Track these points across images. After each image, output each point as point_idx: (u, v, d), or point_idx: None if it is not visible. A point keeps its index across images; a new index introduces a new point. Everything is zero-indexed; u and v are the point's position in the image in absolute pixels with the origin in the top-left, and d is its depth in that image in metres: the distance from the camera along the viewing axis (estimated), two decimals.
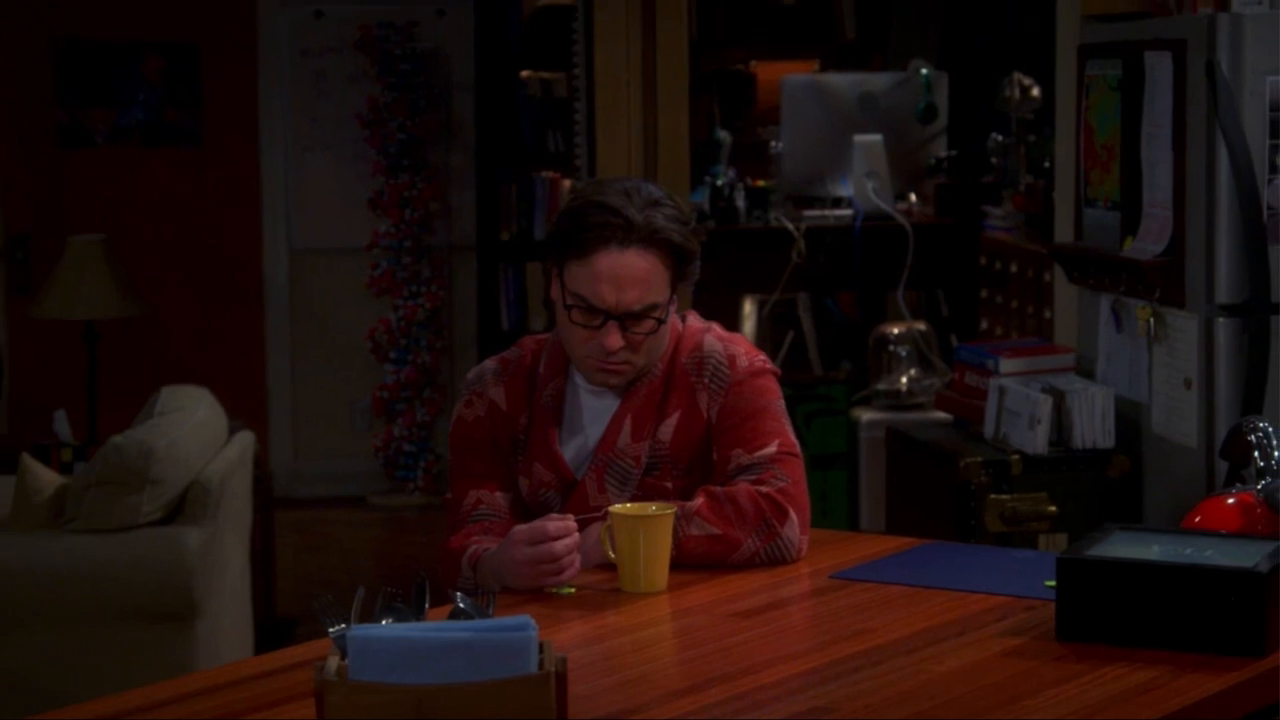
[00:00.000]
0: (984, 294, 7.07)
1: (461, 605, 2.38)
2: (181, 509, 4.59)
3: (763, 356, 3.20)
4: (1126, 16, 4.57)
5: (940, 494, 4.36)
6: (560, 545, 2.87)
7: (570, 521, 2.91)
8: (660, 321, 3.08)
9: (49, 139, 8.18)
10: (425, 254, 8.25)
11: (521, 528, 2.93)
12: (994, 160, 7.30)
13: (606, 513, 2.95)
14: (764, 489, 3.04)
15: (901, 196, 7.13)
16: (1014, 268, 6.70)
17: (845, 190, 6.99)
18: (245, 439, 5.19)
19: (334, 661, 2.23)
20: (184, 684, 2.58)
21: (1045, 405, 4.25)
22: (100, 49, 8.20)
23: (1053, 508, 4.21)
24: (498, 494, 3.13)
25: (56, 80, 8.17)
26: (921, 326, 6.69)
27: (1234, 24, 3.94)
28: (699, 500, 3.03)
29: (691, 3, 7.34)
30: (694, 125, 7.17)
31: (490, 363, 3.23)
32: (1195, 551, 2.62)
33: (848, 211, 6.96)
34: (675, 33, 7.00)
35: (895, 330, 6.63)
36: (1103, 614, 2.56)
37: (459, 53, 8.21)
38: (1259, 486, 2.77)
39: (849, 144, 6.93)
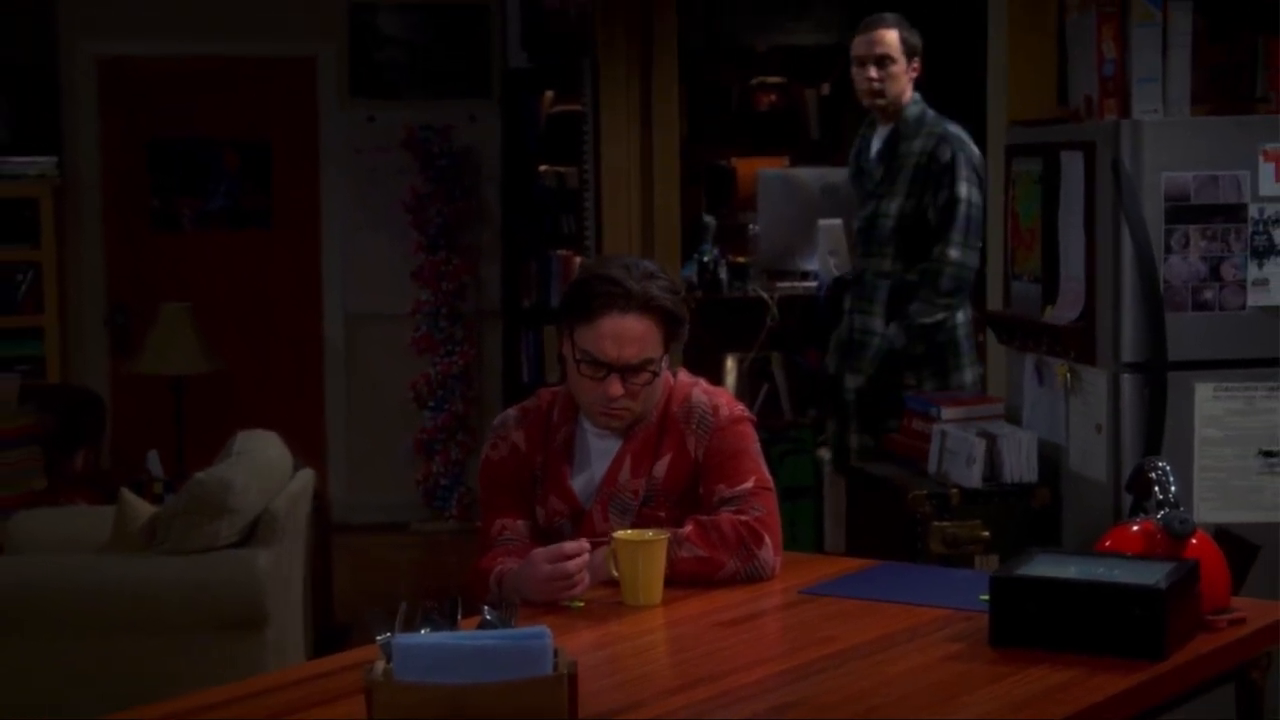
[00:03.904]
0: None
1: (489, 617, 2.38)
2: (254, 534, 4.57)
3: (742, 406, 3.20)
4: (1046, 122, 4.58)
5: (892, 521, 4.35)
6: (573, 564, 2.87)
7: (584, 543, 2.91)
8: (655, 374, 3.08)
9: (144, 223, 8.19)
10: (459, 319, 8.25)
11: (541, 549, 2.93)
12: None
13: (611, 538, 2.94)
14: (743, 518, 3.04)
15: None
16: None
17: (812, 265, 6.99)
18: (307, 475, 5.17)
19: (381, 665, 2.22)
20: (255, 683, 2.58)
21: (980, 446, 4.24)
22: (186, 147, 8.22)
23: (986, 533, 4.19)
24: (519, 522, 3.12)
25: (150, 174, 8.19)
26: None
27: (1135, 129, 3.95)
28: (689, 528, 3.02)
29: (683, 108, 7.37)
30: (684, 211, 7.18)
31: (512, 411, 3.23)
32: (1106, 571, 2.62)
33: (814, 283, 6.96)
34: (669, 134, 7.03)
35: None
36: (1029, 624, 2.56)
37: (488, 151, 8.23)
38: (1158, 516, 2.76)
39: (814, 227, 6.93)
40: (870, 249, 4.99)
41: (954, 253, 4.82)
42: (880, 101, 4.95)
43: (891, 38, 4.94)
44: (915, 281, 4.89)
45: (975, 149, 4.93)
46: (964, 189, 4.86)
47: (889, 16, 4.99)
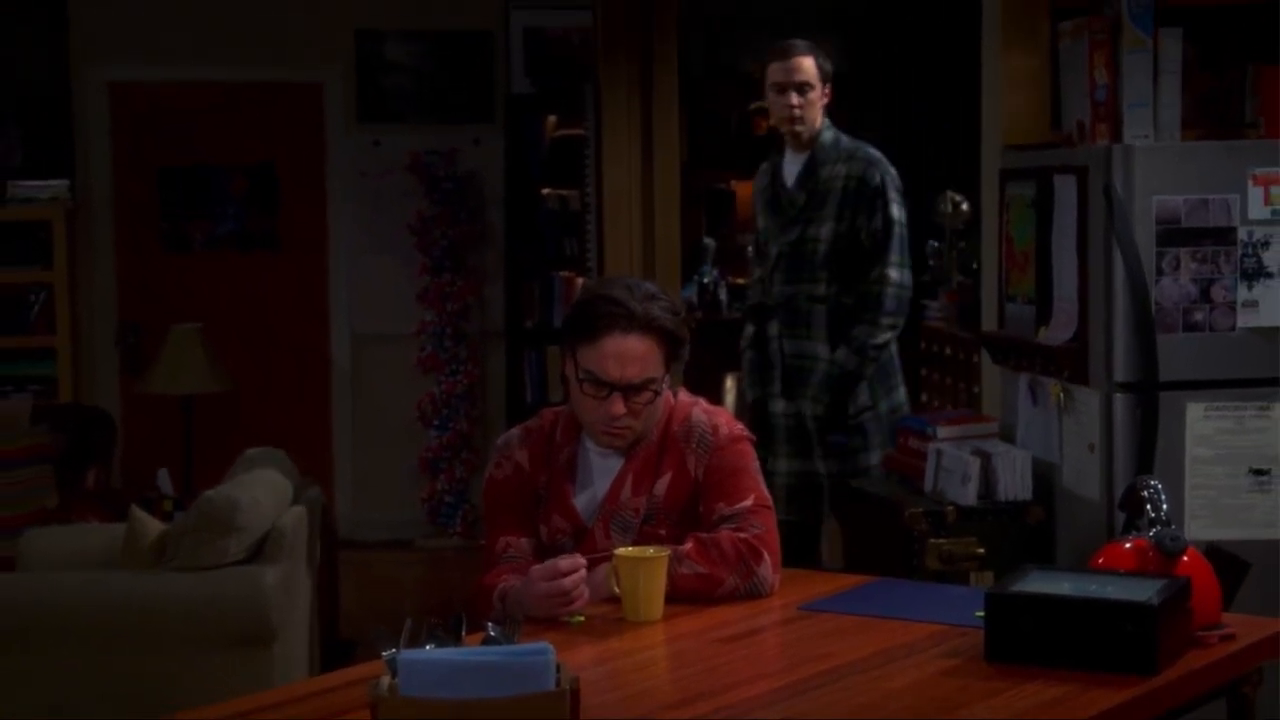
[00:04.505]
0: (923, 373, 7.08)
1: (492, 633, 2.37)
2: (261, 550, 4.57)
3: (741, 425, 3.20)
4: (1039, 146, 4.59)
5: (889, 538, 4.34)
6: (568, 581, 2.86)
7: (579, 559, 2.90)
8: (656, 393, 3.08)
9: (155, 245, 8.20)
10: (463, 339, 8.25)
11: (538, 566, 2.92)
12: (931, 262, 7.32)
13: (613, 555, 2.94)
14: (742, 535, 3.03)
15: None
16: (948, 351, 6.72)
17: None
18: (314, 492, 5.17)
19: (386, 680, 2.22)
20: (262, 698, 2.58)
21: (974, 465, 4.24)
22: (196, 171, 8.23)
23: (981, 550, 4.19)
24: (523, 540, 3.12)
25: (161, 198, 8.20)
26: None
27: (1126, 154, 3.96)
28: (689, 545, 3.02)
29: (683, 132, 7.38)
30: (684, 233, 7.19)
31: (516, 430, 3.23)
32: (1099, 587, 2.61)
33: None
34: (669, 157, 7.04)
35: None
36: (1024, 640, 2.55)
37: (491, 174, 8.24)
38: (1150, 534, 2.76)
39: None
40: (800, 274, 4.96)
41: (893, 273, 4.84)
42: (799, 128, 4.95)
43: (809, 64, 4.93)
44: (853, 304, 4.88)
45: (894, 169, 4.95)
46: (895, 211, 4.88)
47: (801, 43, 4.98)
